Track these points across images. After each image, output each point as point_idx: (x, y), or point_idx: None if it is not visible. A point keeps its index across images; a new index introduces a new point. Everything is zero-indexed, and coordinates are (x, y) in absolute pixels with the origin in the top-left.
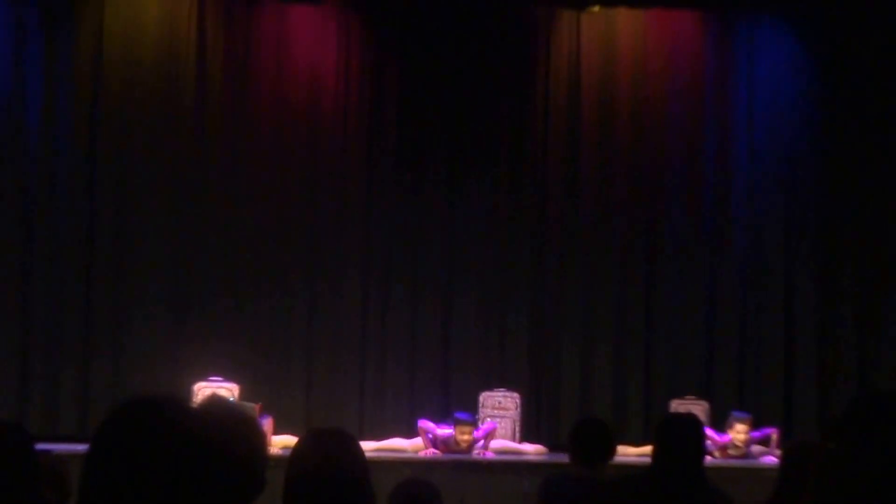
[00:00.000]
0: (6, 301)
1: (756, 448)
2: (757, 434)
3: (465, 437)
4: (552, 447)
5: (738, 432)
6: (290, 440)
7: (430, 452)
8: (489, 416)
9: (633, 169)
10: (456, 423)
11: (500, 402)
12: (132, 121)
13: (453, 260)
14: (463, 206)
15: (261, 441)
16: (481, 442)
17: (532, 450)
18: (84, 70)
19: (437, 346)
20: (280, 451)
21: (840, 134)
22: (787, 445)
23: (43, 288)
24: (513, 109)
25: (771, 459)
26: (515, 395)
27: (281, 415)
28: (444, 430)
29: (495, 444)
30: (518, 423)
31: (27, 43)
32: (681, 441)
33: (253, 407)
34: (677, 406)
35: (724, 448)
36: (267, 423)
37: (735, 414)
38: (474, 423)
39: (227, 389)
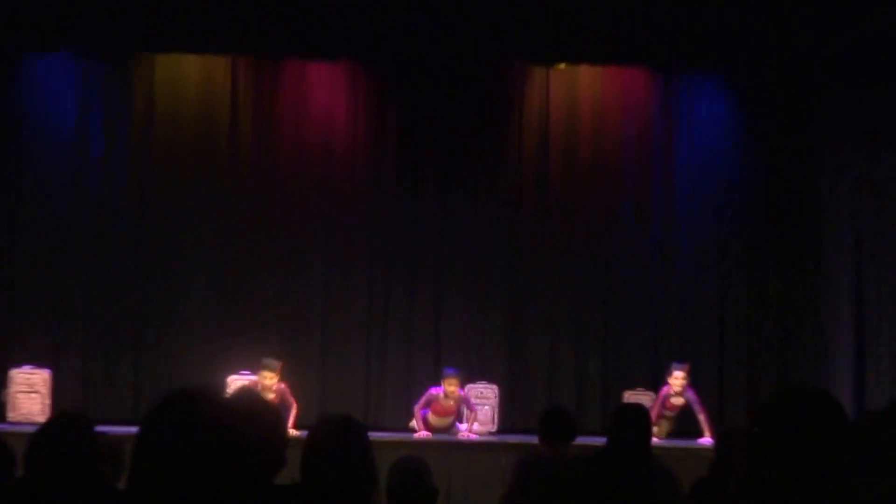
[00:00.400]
0: (71, 303)
1: (690, 395)
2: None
3: (452, 388)
4: (524, 430)
5: (676, 378)
6: None
7: (424, 434)
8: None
9: (593, 199)
10: (444, 376)
11: (481, 393)
12: (177, 157)
13: (443, 271)
14: (451, 228)
15: (282, 426)
16: (466, 425)
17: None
18: (138, 116)
19: (430, 344)
20: (297, 434)
21: (763, 169)
22: (721, 430)
23: (101, 293)
24: (493, 149)
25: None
26: (494, 386)
27: (300, 401)
28: (437, 389)
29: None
30: (497, 411)
31: (92, 94)
32: (631, 426)
33: (276, 365)
34: (629, 396)
35: (666, 398)
36: (284, 387)
37: (674, 364)
38: (459, 377)
39: (253, 382)
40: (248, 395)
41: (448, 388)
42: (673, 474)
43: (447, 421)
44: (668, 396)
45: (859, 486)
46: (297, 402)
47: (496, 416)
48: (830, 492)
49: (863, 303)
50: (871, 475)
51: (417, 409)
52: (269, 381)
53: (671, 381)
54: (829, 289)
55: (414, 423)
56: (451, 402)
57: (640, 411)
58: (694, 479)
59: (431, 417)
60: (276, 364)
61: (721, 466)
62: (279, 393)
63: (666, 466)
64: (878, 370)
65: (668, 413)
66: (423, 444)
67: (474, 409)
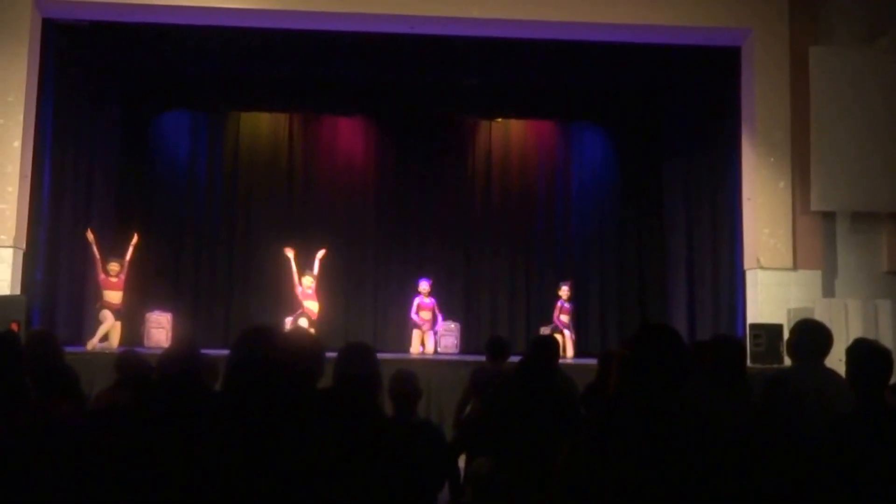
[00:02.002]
0: (186, 275)
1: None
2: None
3: (425, 289)
4: (476, 352)
5: (563, 291)
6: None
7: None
8: (442, 335)
9: (519, 208)
10: (420, 285)
11: (449, 327)
12: (253, 184)
13: (423, 249)
14: (429, 221)
15: (320, 350)
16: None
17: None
18: (228, 156)
19: (414, 297)
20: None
21: (627, 185)
22: (602, 352)
23: (204, 268)
24: (455, 173)
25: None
26: (458, 323)
27: (334, 328)
28: (418, 296)
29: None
30: (458, 340)
31: (198, 141)
32: (543, 349)
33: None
34: (543, 330)
35: (559, 309)
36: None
37: (560, 283)
38: (429, 284)
39: (301, 322)
40: (299, 330)
41: (423, 290)
42: (571, 380)
43: (428, 315)
44: (561, 309)
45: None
46: (330, 330)
47: (458, 342)
48: (676, 396)
49: (692, 270)
50: (703, 385)
51: (412, 314)
52: (307, 282)
53: (560, 293)
54: (671, 260)
55: (414, 343)
56: (427, 300)
57: (549, 340)
58: (585, 384)
59: (421, 313)
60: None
61: (603, 377)
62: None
63: (567, 375)
64: (703, 313)
65: (563, 317)
66: (410, 362)
67: (440, 317)
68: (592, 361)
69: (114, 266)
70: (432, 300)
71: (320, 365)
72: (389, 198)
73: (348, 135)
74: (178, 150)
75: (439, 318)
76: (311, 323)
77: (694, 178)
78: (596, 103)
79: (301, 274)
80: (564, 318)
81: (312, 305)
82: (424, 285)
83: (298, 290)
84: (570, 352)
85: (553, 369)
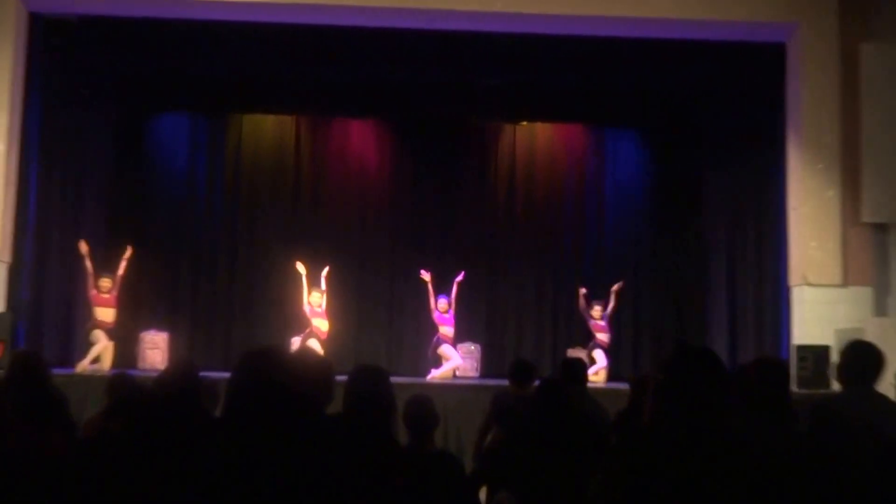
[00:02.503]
0: (183, 290)
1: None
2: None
3: (444, 306)
4: (498, 376)
5: (441, 303)
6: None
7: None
8: (463, 358)
9: (546, 219)
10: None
11: (469, 350)
12: (256, 189)
13: (442, 265)
14: (448, 234)
15: (330, 373)
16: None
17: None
18: (230, 159)
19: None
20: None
21: (662, 196)
22: (635, 377)
23: (203, 283)
24: (475, 182)
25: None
26: (478, 345)
27: (344, 352)
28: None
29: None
30: (479, 363)
31: (198, 144)
32: (573, 373)
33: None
34: (571, 353)
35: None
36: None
37: (593, 302)
38: (447, 301)
39: (310, 342)
40: (307, 351)
41: (441, 306)
42: (602, 407)
43: (450, 329)
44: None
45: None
46: (340, 351)
47: (479, 366)
48: (715, 424)
49: (734, 287)
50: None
51: (432, 349)
52: (315, 300)
53: (593, 313)
54: (710, 277)
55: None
56: (447, 315)
57: (578, 362)
58: (616, 410)
59: (443, 329)
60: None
61: (636, 404)
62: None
63: (598, 401)
64: (744, 334)
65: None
66: (426, 386)
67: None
68: (624, 386)
69: (105, 282)
70: (450, 316)
71: (330, 389)
72: (405, 208)
73: (360, 140)
74: (175, 155)
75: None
76: (321, 343)
77: (735, 186)
78: (629, 106)
79: (310, 290)
80: (602, 336)
81: (322, 324)
82: (442, 302)
83: (307, 307)
84: (602, 375)
85: (581, 394)
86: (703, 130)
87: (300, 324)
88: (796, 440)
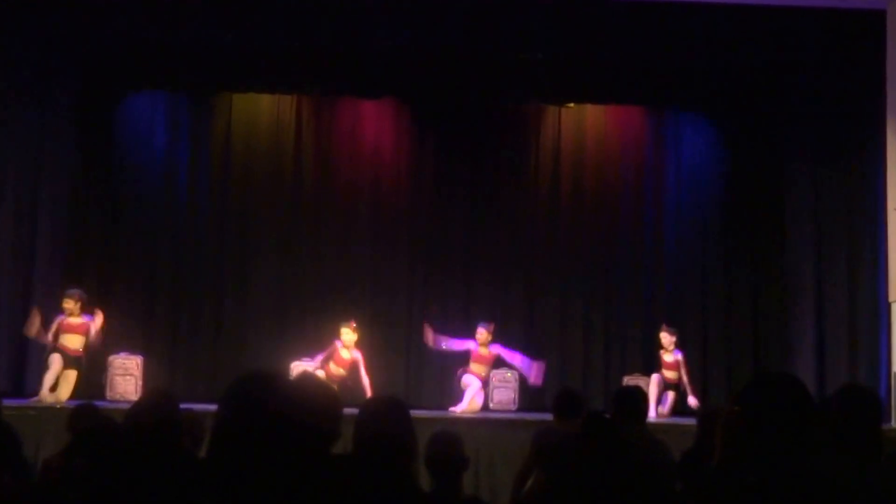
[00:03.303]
0: (160, 301)
1: (679, 355)
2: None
3: (483, 337)
4: (540, 409)
5: (480, 334)
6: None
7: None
8: (496, 387)
9: (596, 218)
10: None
11: (504, 378)
12: (250, 181)
13: (470, 276)
14: (477, 238)
15: (337, 406)
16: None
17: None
18: (217, 144)
19: (461, 335)
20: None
21: (736, 188)
22: (703, 410)
23: (186, 294)
24: (512, 175)
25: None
26: (515, 372)
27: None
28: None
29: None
30: (517, 393)
31: (179, 126)
32: (630, 404)
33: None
34: (628, 380)
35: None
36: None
37: (480, 323)
38: (488, 328)
39: (313, 367)
40: (309, 378)
41: (480, 338)
42: (665, 445)
43: (484, 368)
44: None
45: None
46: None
47: (517, 397)
48: (798, 465)
49: (822, 302)
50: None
51: (460, 373)
52: (347, 338)
53: (662, 341)
54: (793, 292)
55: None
56: (486, 352)
57: (637, 392)
58: (682, 449)
59: (473, 367)
60: (352, 325)
61: (704, 440)
62: (353, 361)
63: (659, 438)
64: (835, 357)
65: (668, 373)
66: (453, 420)
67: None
68: (691, 421)
69: (69, 303)
70: (497, 348)
71: (337, 424)
72: (426, 208)
73: (373, 125)
74: (150, 143)
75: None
76: (343, 371)
77: (823, 182)
78: (698, 85)
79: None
80: (670, 373)
81: (346, 354)
82: (483, 332)
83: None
84: (666, 407)
85: (639, 431)
86: (785, 115)
87: (303, 346)
88: (889, 485)
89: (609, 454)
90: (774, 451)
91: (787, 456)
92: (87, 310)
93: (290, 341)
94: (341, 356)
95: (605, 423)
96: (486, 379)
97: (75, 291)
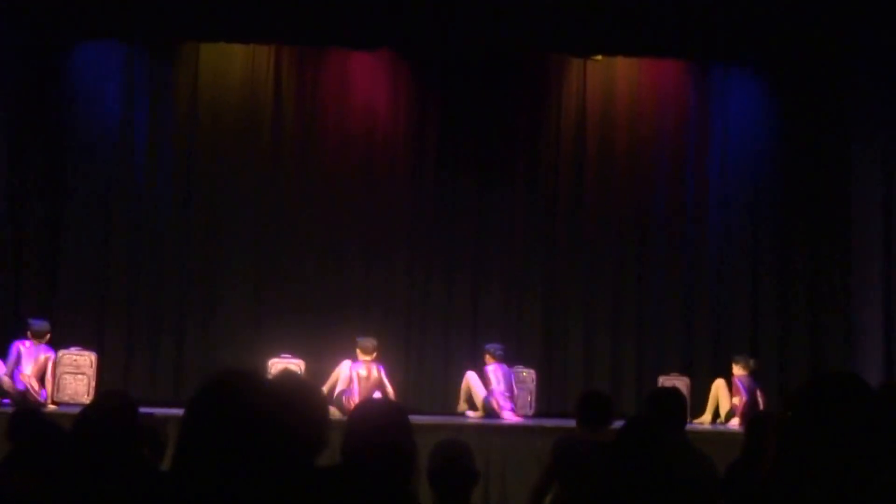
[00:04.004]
0: (117, 289)
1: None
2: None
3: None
4: (561, 414)
5: (737, 368)
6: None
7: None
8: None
9: (628, 190)
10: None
11: (519, 377)
12: (221, 148)
13: (481, 258)
14: (489, 216)
15: (323, 409)
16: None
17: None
18: (182, 104)
19: (468, 329)
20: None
21: (794, 157)
22: (752, 416)
23: (146, 279)
24: (531, 139)
25: None
26: (532, 371)
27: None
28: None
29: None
30: (534, 394)
31: (137, 81)
32: (667, 410)
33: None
34: (664, 381)
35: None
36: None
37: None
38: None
39: (296, 365)
40: (291, 378)
41: (492, 356)
42: (708, 458)
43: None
44: (739, 382)
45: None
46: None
47: (533, 399)
48: (861, 476)
49: (892, 288)
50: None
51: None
52: (365, 359)
53: (735, 369)
54: (859, 274)
55: (464, 408)
56: (497, 370)
57: (675, 395)
58: (727, 462)
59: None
60: (371, 343)
61: (754, 452)
62: (375, 377)
63: (700, 449)
64: None
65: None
66: (460, 427)
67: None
68: (737, 430)
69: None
70: (503, 369)
71: (324, 431)
72: (429, 180)
73: (366, 82)
74: (103, 100)
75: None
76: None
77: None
78: (748, 36)
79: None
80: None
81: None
82: (497, 351)
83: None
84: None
85: (678, 440)
86: (852, 72)
87: (287, 343)
88: None
89: (647, 465)
90: (834, 464)
91: (850, 469)
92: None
93: (267, 335)
94: (361, 376)
95: (652, 432)
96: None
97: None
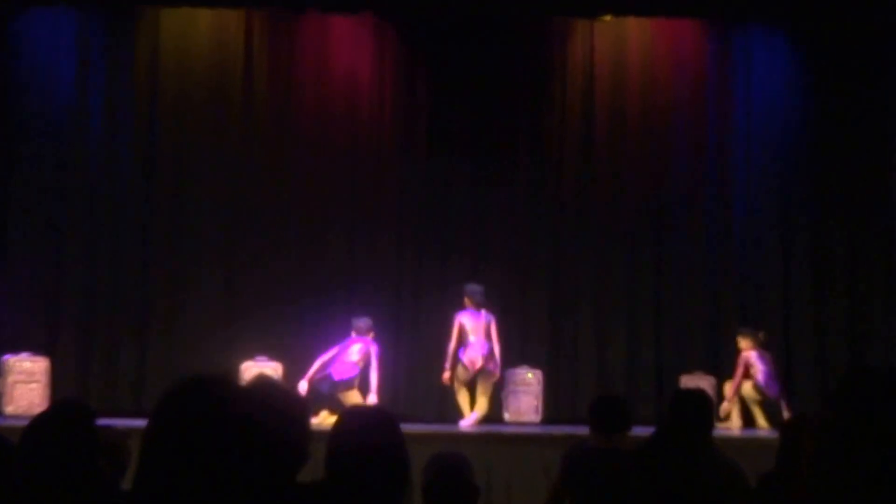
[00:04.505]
0: (72, 284)
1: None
2: None
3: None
4: (571, 420)
5: (743, 342)
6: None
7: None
8: (513, 392)
9: (642, 164)
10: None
11: (524, 379)
12: (186, 123)
13: (479, 246)
14: (487, 197)
15: (304, 418)
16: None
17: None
18: (141, 76)
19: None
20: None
21: (828, 126)
22: (786, 419)
23: (104, 273)
24: (533, 110)
25: None
26: (538, 371)
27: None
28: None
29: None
30: (540, 398)
31: (92, 50)
32: (691, 414)
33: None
34: (686, 381)
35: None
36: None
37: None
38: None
39: (272, 369)
40: (267, 384)
41: (472, 297)
42: (738, 467)
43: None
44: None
45: None
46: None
47: (540, 404)
48: None
49: None
50: None
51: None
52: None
53: (741, 343)
54: None
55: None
56: (480, 317)
57: (700, 397)
58: (759, 471)
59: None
60: (366, 324)
61: (788, 459)
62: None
63: (729, 458)
64: None
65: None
66: (459, 437)
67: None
68: (770, 435)
69: None
70: (485, 316)
71: (305, 442)
72: (419, 158)
73: (348, 49)
74: (53, 74)
75: (496, 352)
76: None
77: None
78: None
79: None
80: (758, 376)
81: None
82: (475, 290)
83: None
84: (735, 421)
85: (709, 445)
86: (893, 26)
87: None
88: None
89: (673, 476)
90: (881, 467)
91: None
92: None
93: (241, 334)
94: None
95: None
96: (488, 356)
97: None
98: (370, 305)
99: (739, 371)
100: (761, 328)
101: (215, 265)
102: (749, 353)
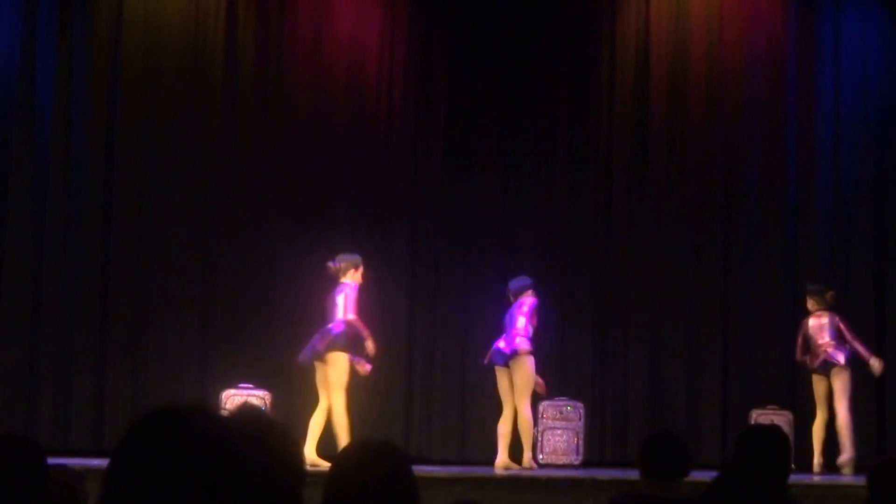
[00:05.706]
0: (17, 307)
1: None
2: None
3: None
4: (619, 463)
5: (811, 303)
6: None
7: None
8: (549, 428)
9: (706, 152)
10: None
11: (561, 413)
12: (153, 102)
13: (506, 252)
14: (518, 193)
15: (297, 454)
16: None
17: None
18: (100, 51)
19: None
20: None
21: None
22: (875, 463)
23: (55, 293)
24: (574, 86)
25: None
26: (579, 404)
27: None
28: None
29: None
30: (581, 435)
31: (40, 22)
32: (765, 455)
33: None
34: (758, 417)
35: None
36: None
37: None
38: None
39: (259, 398)
40: (253, 414)
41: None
42: None
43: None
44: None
45: None
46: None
47: (581, 442)
48: None
49: None
50: None
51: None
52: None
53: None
54: None
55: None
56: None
57: (774, 435)
58: None
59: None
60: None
61: None
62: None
63: None
64: None
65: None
66: (482, 481)
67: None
68: (855, 481)
69: None
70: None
71: (298, 484)
72: (437, 145)
73: (352, 12)
74: (2, 53)
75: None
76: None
77: None
78: None
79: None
80: (826, 346)
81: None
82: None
83: None
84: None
85: (785, 493)
86: None
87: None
88: None
89: None
90: None
91: None
92: None
93: (220, 358)
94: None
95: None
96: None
97: None
98: (377, 320)
99: (800, 339)
100: (832, 287)
101: (188, 272)
102: (811, 319)
